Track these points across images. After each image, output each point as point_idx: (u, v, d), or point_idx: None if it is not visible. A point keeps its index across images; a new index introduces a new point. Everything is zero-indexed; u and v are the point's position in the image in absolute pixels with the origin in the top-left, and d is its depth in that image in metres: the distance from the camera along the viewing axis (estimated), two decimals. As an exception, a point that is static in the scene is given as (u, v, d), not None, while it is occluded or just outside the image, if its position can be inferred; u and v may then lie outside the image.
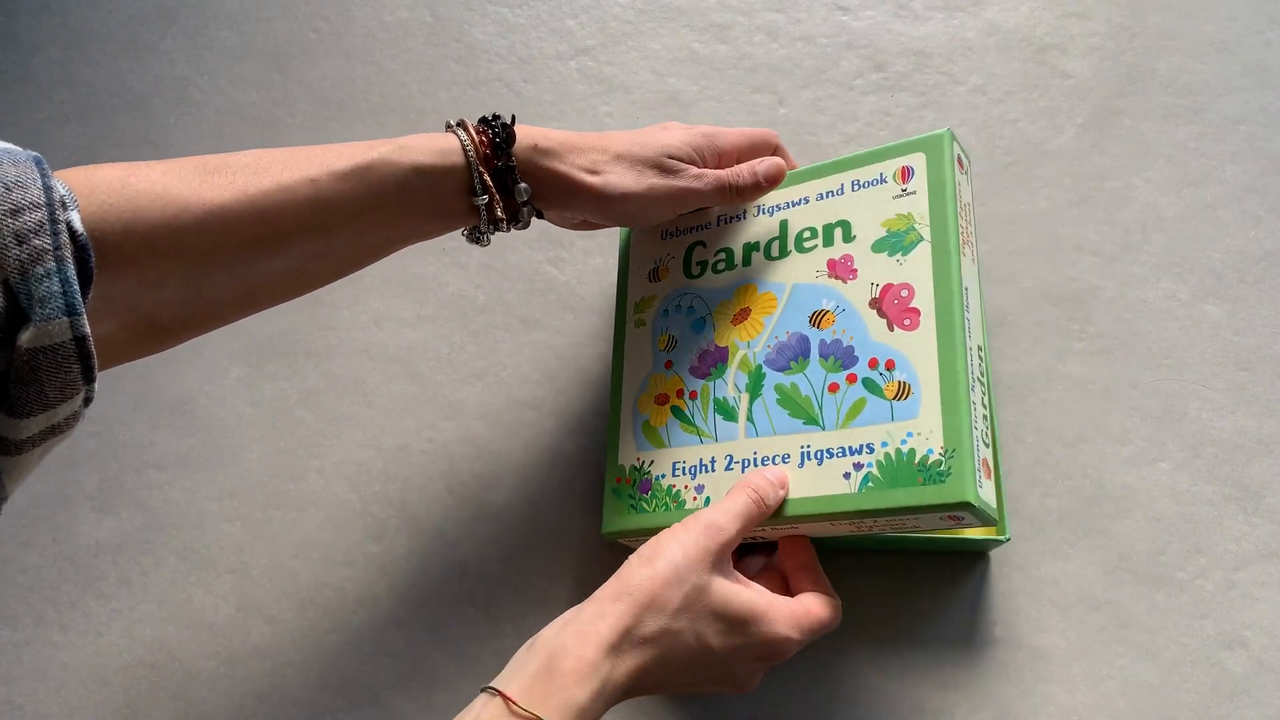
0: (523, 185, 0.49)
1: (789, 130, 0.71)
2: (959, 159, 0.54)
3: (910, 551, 0.59)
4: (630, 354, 0.59)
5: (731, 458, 0.52)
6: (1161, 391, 0.63)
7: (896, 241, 0.52)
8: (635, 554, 0.47)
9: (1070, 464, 0.61)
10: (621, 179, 0.51)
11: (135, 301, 0.40)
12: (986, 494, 0.46)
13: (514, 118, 0.50)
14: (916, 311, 0.50)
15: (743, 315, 0.55)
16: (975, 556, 0.59)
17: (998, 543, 0.55)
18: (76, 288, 0.34)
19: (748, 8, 0.76)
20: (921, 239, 0.51)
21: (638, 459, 0.55)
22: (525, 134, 0.50)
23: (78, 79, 0.77)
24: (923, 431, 0.47)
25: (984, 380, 0.50)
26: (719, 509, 0.48)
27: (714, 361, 0.55)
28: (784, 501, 0.50)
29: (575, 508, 0.62)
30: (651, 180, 0.52)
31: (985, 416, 0.49)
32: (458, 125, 0.49)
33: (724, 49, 0.74)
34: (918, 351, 0.49)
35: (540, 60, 0.75)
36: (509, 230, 0.51)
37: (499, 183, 0.49)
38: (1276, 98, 0.70)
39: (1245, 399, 0.62)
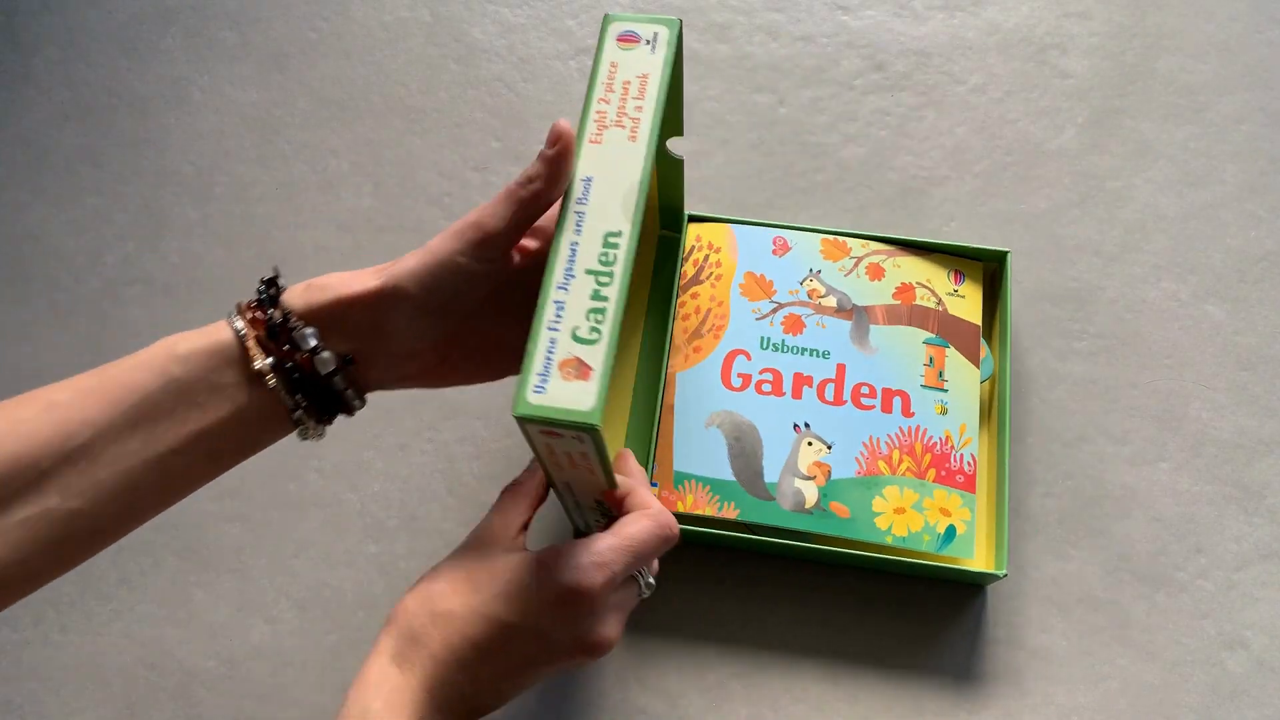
0: (308, 330, 0.40)
1: (789, 130, 0.71)
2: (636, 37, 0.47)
3: (909, 576, 0.59)
4: None
5: None
6: (1162, 391, 0.63)
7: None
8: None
9: (1071, 464, 0.61)
10: (410, 260, 0.42)
11: None
12: (564, 398, 0.39)
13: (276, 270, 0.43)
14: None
15: None
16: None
17: (994, 577, 0.55)
18: None
19: (748, 7, 0.76)
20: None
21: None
22: (303, 286, 0.42)
23: (77, 79, 0.77)
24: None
25: (609, 269, 0.42)
26: (484, 517, 0.46)
27: None
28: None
29: (575, 508, 0.62)
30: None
31: (598, 311, 0.41)
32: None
33: (724, 48, 0.74)
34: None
35: (540, 60, 0.75)
36: (329, 407, 0.42)
37: (278, 340, 0.40)
38: (1277, 97, 0.70)
39: (1246, 399, 0.62)
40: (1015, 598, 0.58)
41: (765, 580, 0.60)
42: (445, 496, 0.63)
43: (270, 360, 0.40)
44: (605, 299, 0.41)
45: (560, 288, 0.41)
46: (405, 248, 0.71)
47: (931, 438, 0.57)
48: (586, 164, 0.44)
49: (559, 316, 0.40)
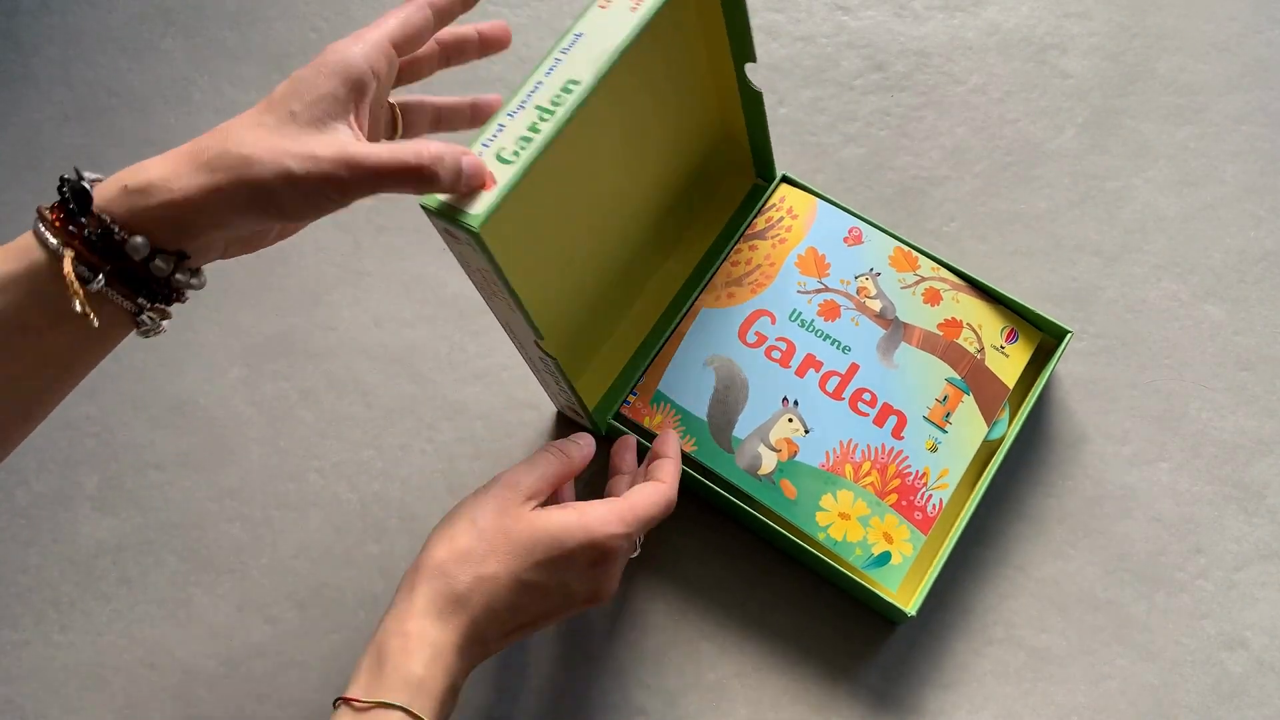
0: (137, 240, 0.37)
1: (789, 130, 0.71)
2: None
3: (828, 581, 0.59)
4: None
5: None
6: (1162, 391, 0.63)
7: None
8: (435, 528, 0.48)
9: (1070, 464, 0.61)
10: (252, 150, 0.38)
11: None
12: (463, 201, 0.43)
13: (85, 175, 0.39)
14: None
15: None
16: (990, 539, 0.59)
17: (902, 615, 0.54)
18: None
19: (748, 7, 0.76)
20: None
21: None
22: (112, 181, 0.39)
23: (77, 79, 0.77)
24: None
25: (554, 109, 0.45)
26: (519, 468, 0.50)
27: None
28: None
29: (575, 508, 0.62)
30: (282, 145, 0.39)
31: (526, 140, 0.45)
32: (36, 212, 0.39)
33: (724, 49, 0.74)
34: None
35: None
36: (171, 300, 0.40)
37: (102, 252, 0.37)
38: (1277, 97, 0.70)
39: (1246, 399, 0.62)
40: (1014, 597, 0.58)
41: (766, 581, 0.60)
42: (445, 496, 0.63)
43: (101, 280, 0.37)
44: (538, 131, 0.45)
45: (509, 114, 0.45)
46: (405, 247, 0.71)
47: (908, 467, 0.57)
48: (584, 23, 0.48)
49: (494, 137, 0.45)
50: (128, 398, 0.67)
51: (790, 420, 0.58)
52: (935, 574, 0.55)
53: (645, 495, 0.50)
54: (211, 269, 0.76)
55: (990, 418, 0.59)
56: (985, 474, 0.58)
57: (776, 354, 0.59)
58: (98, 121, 0.75)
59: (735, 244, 0.63)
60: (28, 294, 0.37)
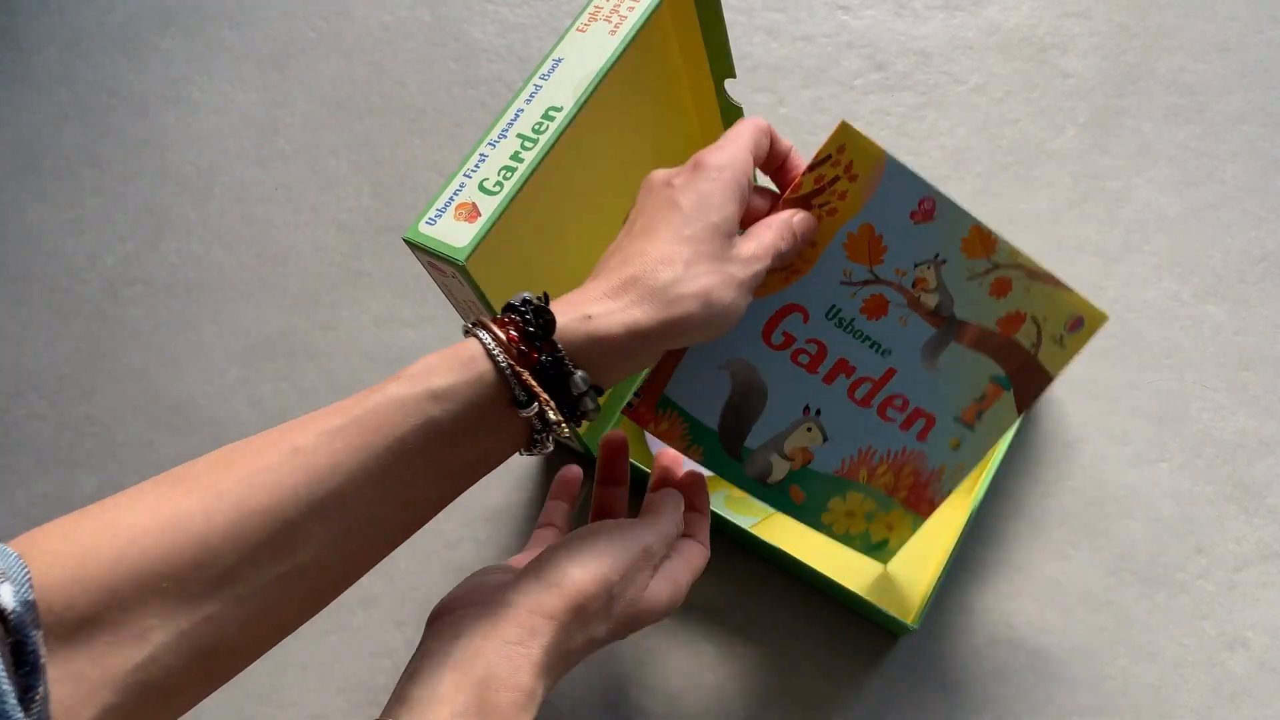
0: (579, 375, 0.37)
1: (789, 130, 0.71)
2: None
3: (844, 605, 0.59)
4: None
5: None
6: (1162, 392, 0.63)
7: None
8: (561, 548, 0.41)
9: (1071, 464, 0.61)
10: (701, 285, 0.39)
11: (121, 667, 0.31)
12: (447, 234, 0.44)
13: (546, 295, 0.39)
14: None
15: None
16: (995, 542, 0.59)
17: (905, 628, 0.54)
18: (8, 689, 0.26)
19: (748, 7, 0.76)
20: None
21: None
22: (569, 305, 0.38)
23: (77, 79, 0.77)
24: None
25: (537, 137, 0.46)
26: (652, 530, 0.43)
27: None
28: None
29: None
30: (726, 269, 0.40)
31: (509, 170, 0.45)
32: (475, 325, 0.38)
33: (724, 49, 0.74)
34: None
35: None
36: (570, 428, 0.39)
37: (545, 380, 0.37)
38: (1277, 97, 0.70)
39: (1246, 399, 0.62)
40: (1014, 597, 0.58)
41: (767, 581, 0.60)
42: (445, 497, 0.63)
43: (536, 408, 0.37)
44: (520, 160, 0.45)
45: (490, 144, 0.46)
46: (405, 247, 0.71)
47: (927, 467, 0.53)
48: (563, 48, 0.48)
49: (476, 168, 0.45)
50: (128, 398, 0.67)
51: (810, 430, 0.51)
52: (937, 583, 0.55)
53: (692, 567, 0.44)
54: (211, 268, 0.76)
55: (1025, 408, 0.53)
56: (985, 474, 0.57)
57: (804, 359, 0.50)
58: (98, 121, 0.75)
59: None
60: (467, 407, 0.36)
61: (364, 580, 0.61)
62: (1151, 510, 0.60)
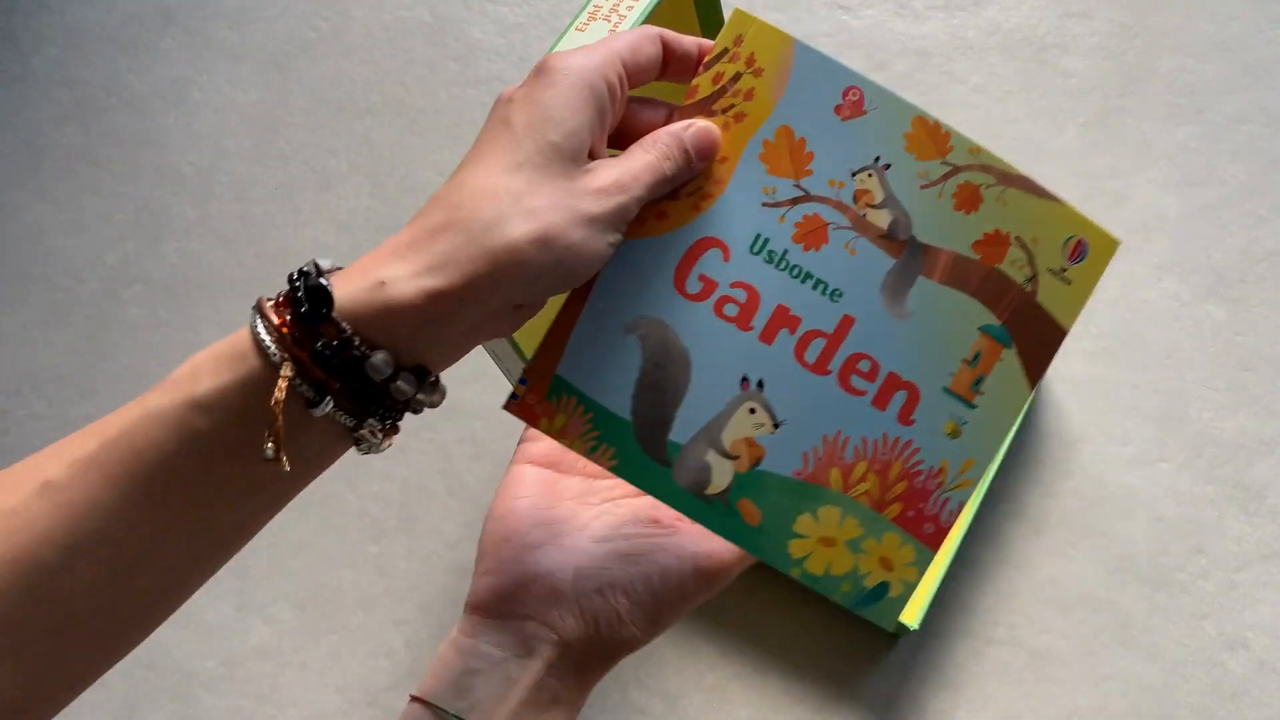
0: (379, 357, 0.30)
1: (789, 130, 0.71)
2: None
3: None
4: None
5: None
6: (1163, 392, 0.63)
7: None
8: None
9: (1071, 464, 0.61)
10: (535, 224, 0.30)
11: None
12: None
13: (320, 270, 0.31)
14: None
15: None
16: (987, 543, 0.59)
17: (905, 628, 0.54)
18: None
19: (748, 7, 0.75)
20: None
21: None
22: (361, 270, 0.31)
23: (76, 78, 0.76)
24: None
25: None
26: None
27: None
28: None
29: (575, 508, 0.62)
30: (570, 203, 0.31)
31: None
32: (255, 307, 0.32)
33: (724, 48, 0.74)
34: None
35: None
36: (402, 417, 0.33)
37: (334, 370, 0.30)
38: (1278, 97, 0.70)
39: (1247, 399, 0.62)
40: (1014, 597, 0.58)
41: (767, 581, 0.60)
42: (444, 497, 0.63)
43: (329, 404, 0.30)
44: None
45: None
46: (405, 247, 0.71)
47: (919, 464, 0.40)
48: (562, 46, 0.47)
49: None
50: (128, 398, 0.67)
51: (753, 411, 0.39)
52: (937, 585, 0.55)
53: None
54: (211, 268, 0.76)
55: (1038, 375, 0.41)
56: (985, 474, 0.55)
57: (732, 309, 0.39)
58: (97, 121, 0.75)
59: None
60: (241, 414, 0.29)
61: (363, 580, 0.61)
62: (1152, 510, 0.60)
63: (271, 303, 0.31)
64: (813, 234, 0.40)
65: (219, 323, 0.68)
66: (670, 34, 0.36)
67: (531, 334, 0.43)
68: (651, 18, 0.49)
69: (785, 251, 0.39)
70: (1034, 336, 0.41)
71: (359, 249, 0.70)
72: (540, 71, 0.33)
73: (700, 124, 0.36)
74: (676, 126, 0.35)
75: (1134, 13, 0.73)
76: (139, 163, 0.73)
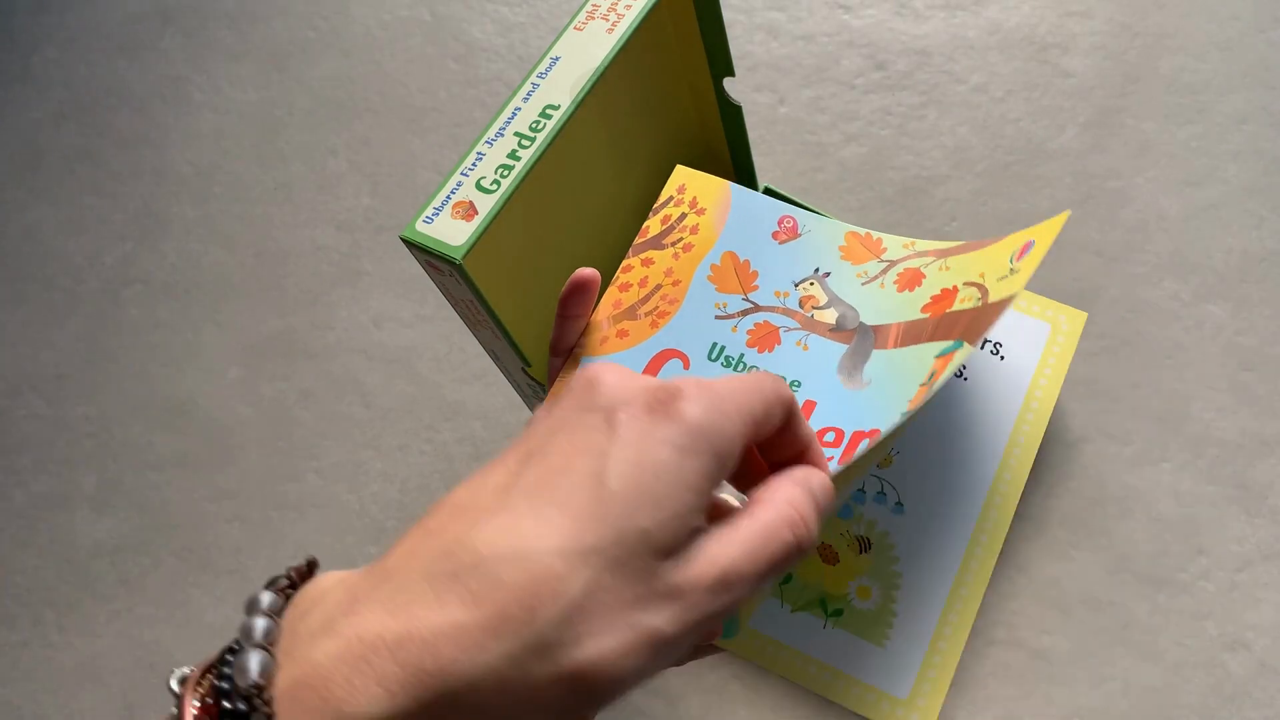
0: None
1: (790, 129, 0.71)
2: None
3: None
4: None
5: None
6: (1164, 392, 0.63)
7: None
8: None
9: (1072, 464, 0.61)
10: (590, 652, 0.21)
11: None
12: (444, 232, 0.43)
13: (259, 643, 0.22)
14: None
15: None
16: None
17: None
18: None
19: (748, 6, 0.76)
20: None
21: None
22: (309, 675, 0.21)
23: (75, 78, 0.76)
24: None
25: (534, 135, 0.45)
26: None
27: None
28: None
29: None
30: (643, 620, 0.22)
31: (506, 168, 0.44)
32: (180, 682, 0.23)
33: (724, 48, 0.74)
34: None
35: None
36: None
37: None
38: (1278, 97, 0.70)
39: (1248, 399, 0.62)
40: (1015, 598, 0.58)
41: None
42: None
43: None
44: (518, 159, 0.45)
45: (488, 142, 0.45)
46: (404, 247, 0.71)
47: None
48: (561, 46, 0.47)
49: (474, 166, 0.45)
50: (127, 398, 0.67)
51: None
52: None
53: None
54: (211, 268, 0.76)
55: (977, 337, 0.39)
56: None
57: None
58: (97, 121, 0.75)
59: (622, 262, 0.47)
60: None
61: (363, 581, 0.61)
62: (1152, 510, 0.60)
63: (201, 674, 0.22)
64: (765, 338, 0.44)
65: (219, 322, 0.68)
66: (795, 404, 0.29)
67: (536, 341, 0.51)
68: (651, 18, 0.49)
69: (741, 355, 0.44)
70: (985, 321, 0.40)
71: (358, 248, 0.70)
72: (669, 413, 0.24)
73: (817, 475, 0.27)
74: (786, 486, 0.26)
75: (1135, 12, 0.73)
76: (139, 163, 0.73)
